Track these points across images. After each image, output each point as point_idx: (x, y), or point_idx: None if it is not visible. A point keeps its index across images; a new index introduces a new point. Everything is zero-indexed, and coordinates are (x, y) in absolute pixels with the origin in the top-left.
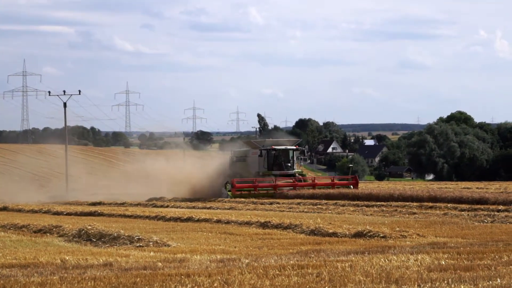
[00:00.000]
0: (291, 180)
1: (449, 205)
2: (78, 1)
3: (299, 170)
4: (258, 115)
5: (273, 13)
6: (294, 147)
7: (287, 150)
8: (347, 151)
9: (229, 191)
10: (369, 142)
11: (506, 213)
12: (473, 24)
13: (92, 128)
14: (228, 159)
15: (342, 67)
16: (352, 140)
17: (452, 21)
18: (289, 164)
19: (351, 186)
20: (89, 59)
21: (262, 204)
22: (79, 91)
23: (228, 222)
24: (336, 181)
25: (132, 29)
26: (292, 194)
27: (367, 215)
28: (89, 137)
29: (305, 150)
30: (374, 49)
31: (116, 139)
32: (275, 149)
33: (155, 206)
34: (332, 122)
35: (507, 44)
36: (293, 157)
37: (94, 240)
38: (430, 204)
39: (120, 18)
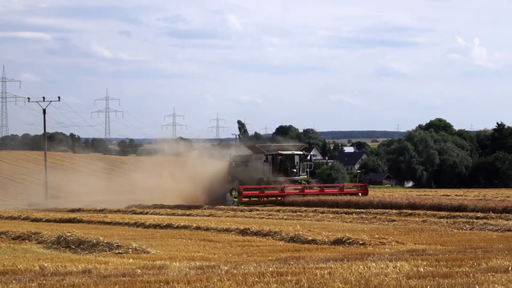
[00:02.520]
0: (300, 187)
1: (428, 212)
2: (54, 7)
3: (304, 176)
4: (239, 122)
5: (251, 20)
6: (301, 152)
7: (293, 156)
8: (327, 158)
9: (235, 197)
10: (349, 149)
11: (484, 220)
12: (451, 31)
13: (72, 135)
14: (226, 164)
15: (321, 74)
16: (332, 147)
17: (430, 29)
18: (295, 170)
19: (360, 194)
20: (67, 66)
21: (241, 211)
22: (59, 97)
23: (207, 229)
24: (345, 189)
25: (109, 35)
26: (301, 201)
27: (346, 222)
28: (68, 143)
29: (311, 156)
30: (352, 57)
31: (96, 145)
32: (281, 154)
33: (135, 213)
34: (312, 129)
35: (485, 52)
36: (298, 162)
37: (73, 247)
38: (409, 211)
39: (97, 24)
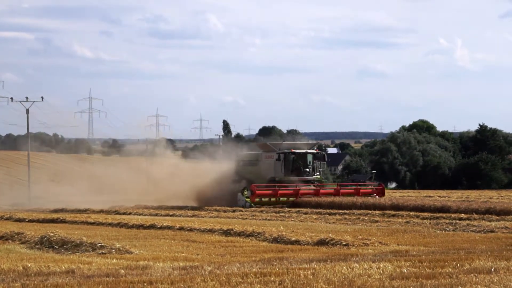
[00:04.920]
0: (314, 187)
1: (411, 213)
2: (36, 8)
3: (318, 176)
4: (224, 121)
5: (233, 21)
6: (315, 151)
7: (306, 154)
8: None
9: (247, 197)
10: (332, 150)
11: (467, 222)
12: (432, 32)
13: (55, 135)
14: (233, 163)
15: (303, 75)
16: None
17: (411, 30)
18: (308, 170)
19: (375, 195)
20: (50, 66)
21: (225, 211)
22: (42, 97)
23: (190, 230)
24: (361, 189)
25: (91, 36)
26: (327, 202)
27: (329, 223)
28: (51, 143)
29: (325, 155)
30: (334, 57)
31: (79, 146)
32: (294, 153)
33: (118, 213)
34: (296, 130)
35: (467, 53)
36: (311, 162)
37: (57, 247)
38: (393, 212)
39: (78, 24)
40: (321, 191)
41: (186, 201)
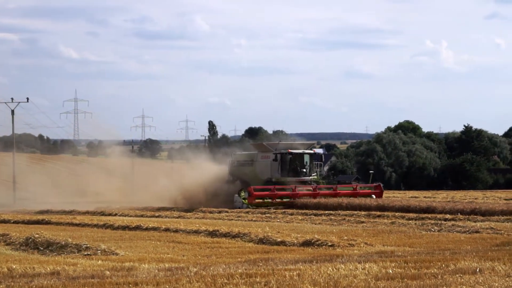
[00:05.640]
0: (311, 188)
1: (396, 214)
2: (21, 8)
3: (315, 177)
4: (209, 122)
5: (219, 22)
6: (312, 151)
7: (302, 155)
8: None
9: (244, 199)
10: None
11: (453, 222)
12: (418, 34)
13: (40, 136)
14: (228, 164)
15: (289, 76)
16: None
17: (397, 31)
18: (304, 170)
19: (373, 196)
20: (35, 67)
21: (210, 212)
22: (27, 98)
23: (176, 231)
24: (359, 189)
25: (76, 36)
26: (313, 203)
27: (315, 224)
28: (37, 144)
29: (322, 155)
30: (320, 58)
31: (65, 147)
32: (291, 153)
33: (103, 214)
34: (282, 131)
35: (452, 55)
36: (308, 162)
37: (42, 248)
38: (378, 213)
39: (64, 25)
40: (320, 192)
41: (172, 203)
